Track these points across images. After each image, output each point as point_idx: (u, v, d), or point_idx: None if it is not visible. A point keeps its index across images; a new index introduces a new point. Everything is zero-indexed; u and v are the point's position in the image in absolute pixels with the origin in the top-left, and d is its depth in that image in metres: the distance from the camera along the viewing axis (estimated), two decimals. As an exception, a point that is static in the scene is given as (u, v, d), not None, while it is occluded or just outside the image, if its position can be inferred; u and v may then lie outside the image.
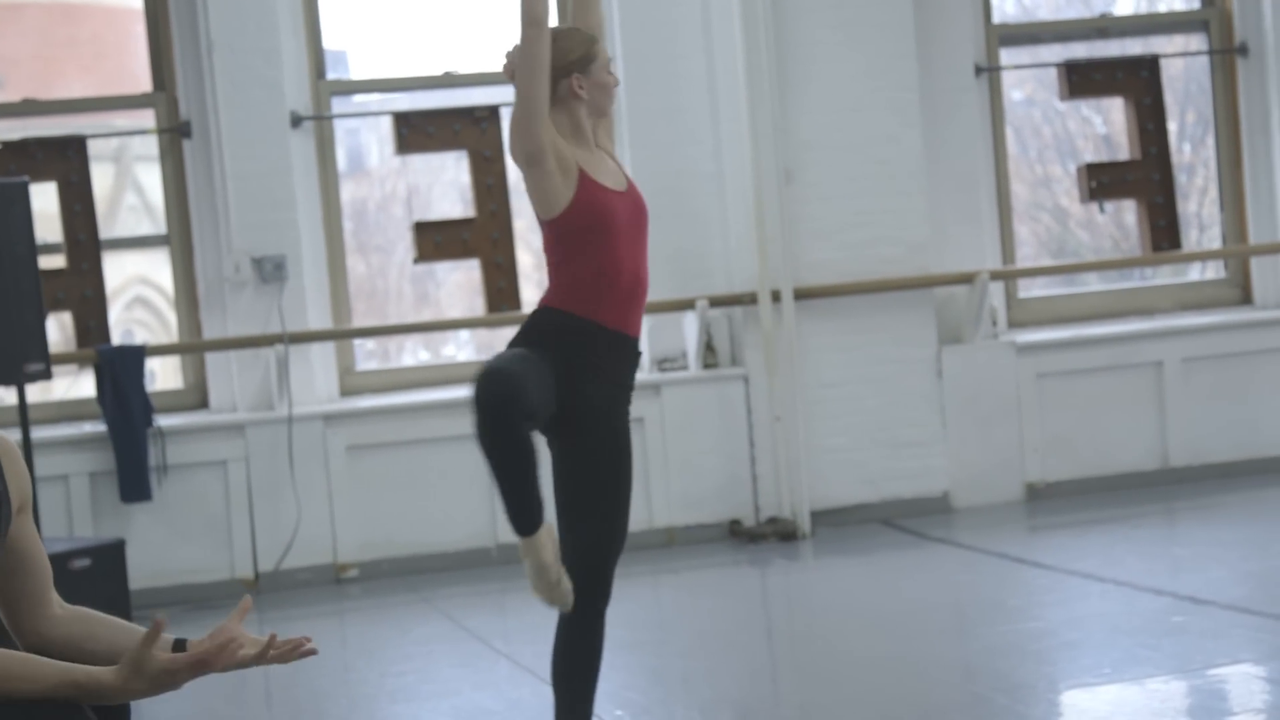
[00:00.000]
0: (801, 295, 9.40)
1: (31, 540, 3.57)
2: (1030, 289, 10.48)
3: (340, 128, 9.69)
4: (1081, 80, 10.12)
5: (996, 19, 10.18)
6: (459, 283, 13.99)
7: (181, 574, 8.79)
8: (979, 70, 9.96)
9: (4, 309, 7.65)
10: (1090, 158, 13.15)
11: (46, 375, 7.78)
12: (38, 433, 8.57)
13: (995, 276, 9.78)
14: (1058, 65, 10.19)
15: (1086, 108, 13.20)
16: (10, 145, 8.94)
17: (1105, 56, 10.27)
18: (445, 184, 13.47)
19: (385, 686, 6.63)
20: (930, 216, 9.62)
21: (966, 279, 9.62)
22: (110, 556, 8.04)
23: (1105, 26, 10.55)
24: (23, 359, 7.73)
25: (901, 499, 9.53)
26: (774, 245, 9.32)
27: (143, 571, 8.54)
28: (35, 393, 8.70)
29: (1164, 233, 10.06)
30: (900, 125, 9.52)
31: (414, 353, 12.57)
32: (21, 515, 3.56)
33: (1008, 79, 10.48)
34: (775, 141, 9.31)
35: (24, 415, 7.88)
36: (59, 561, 7.76)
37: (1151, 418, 9.86)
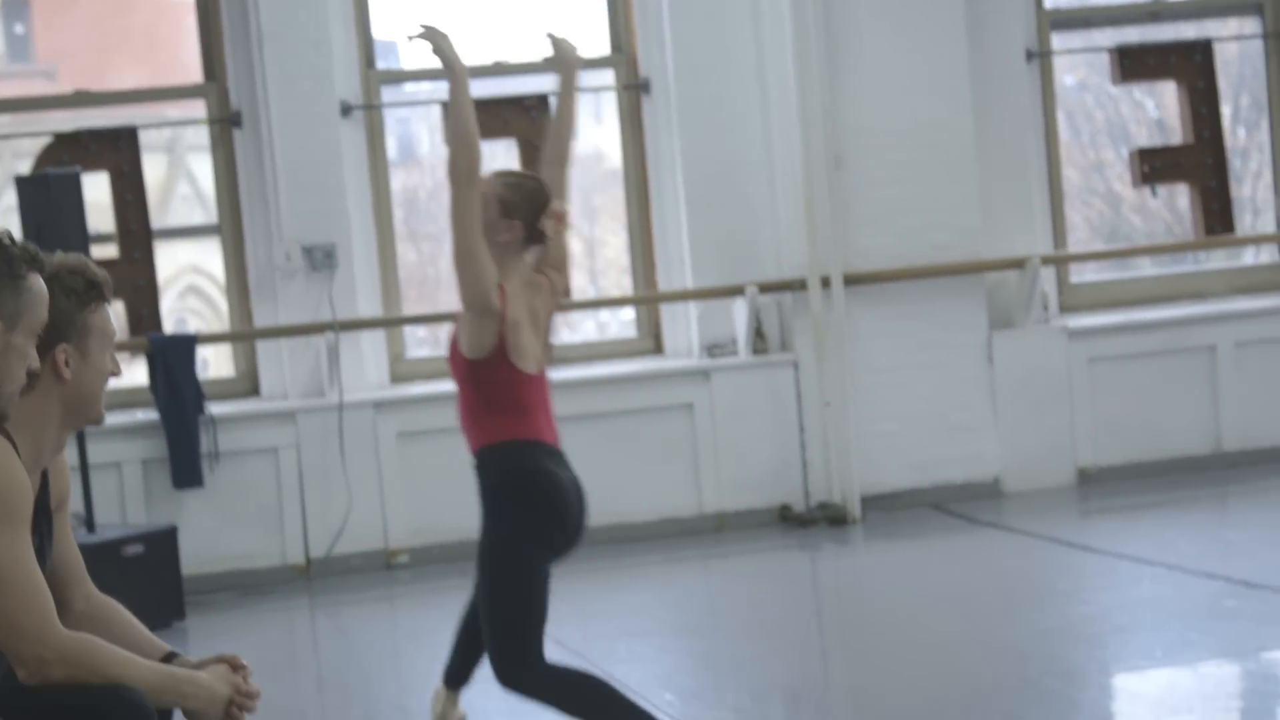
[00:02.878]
0: (851, 281, 9.38)
1: (61, 536, 3.60)
2: (1082, 274, 10.43)
3: (391, 117, 9.71)
4: (1134, 64, 10.06)
5: (1048, 4, 10.13)
6: (510, 271, 14.00)
7: (233, 560, 8.83)
8: (1030, 55, 9.91)
9: (57, 297, 7.71)
10: (1143, 142, 13.08)
11: (99, 363, 7.82)
12: (91, 421, 8.61)
13: (1047, 261, 9.74)
14: (1110, 49, 10.13)
15: (1139, 92, 13.13)
16: (63, 136, 9.00)
17: (1158, 40, 10.20)
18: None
19: (435, 671, 6.63)
20: (981, 202, 9.58)
21: (1018, 264, 9.58)
22: (163, 543, 8.10)
23: (1158, 10, 10.49)
24: (76, 347, 7.77)
25: (952, 484, 9.51)
26: (824, 231, 9.31)
27: (195, 558, 8.59)
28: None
29: (1217, 216, 10.00)
30: (951, 111, 9.49)
31: (466, 341, 12.60)
32: (59, 512, 3.59)
33: (1059, 64, 10.42)
34: (825, 128, 9.29)
35: (78, 403, 7.93)
36: (112, 548, 7.83)
37: (1204, 402, 9.80)
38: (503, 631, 4.96)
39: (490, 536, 5.12)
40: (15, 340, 3.03)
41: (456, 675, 5.69)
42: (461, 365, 5.06)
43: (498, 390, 5.05)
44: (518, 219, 5.04)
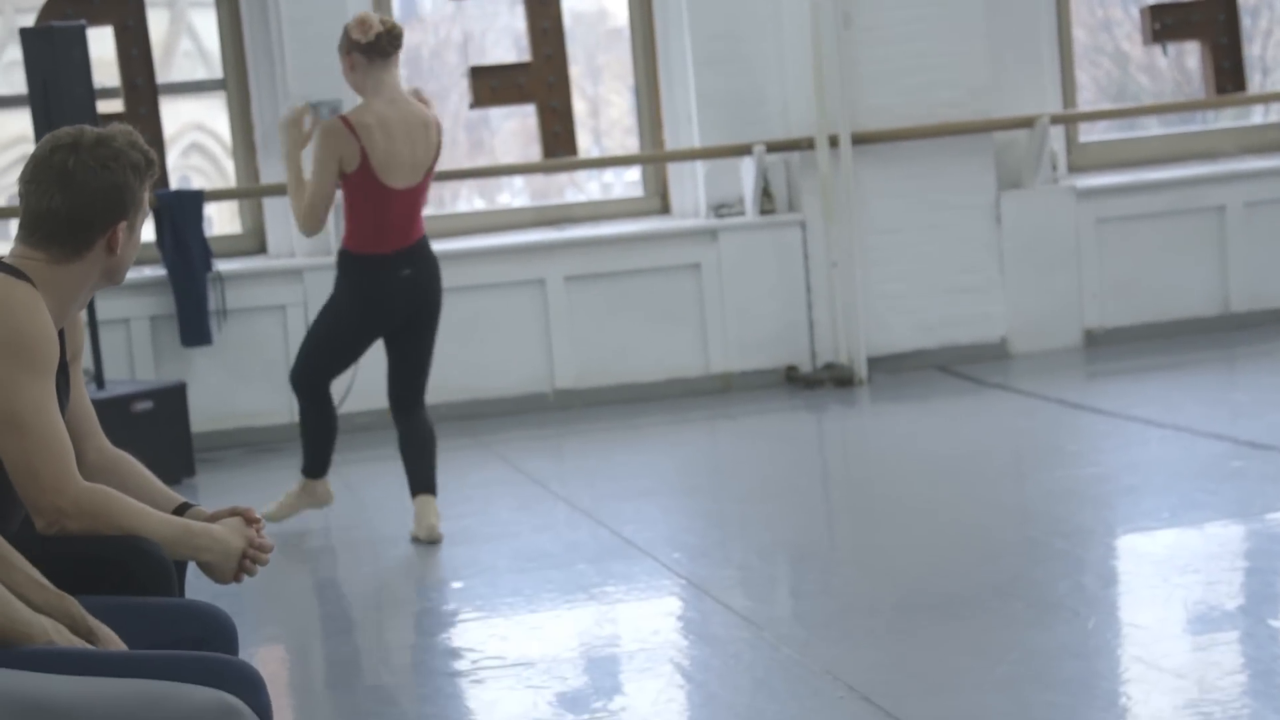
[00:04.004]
0: (859, 140, 9.33)
1: (75, 389, 3.61)
2: (1089, 134, 10.37)
3: (395, -29, 9.60)
4: (1146, -80, 9.94)
5: None
6: (513, 130, 13.93)
7: (242, 417, 8.86)
8: (1042, -90, 9.78)
9: (63, 154, 7.65)
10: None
11: (105, 220, 7.78)
12: (98, 278, 8.59)
13: (1056, 120, 9.67)
14: (1122, -95, 10.00)
15: (1150, -51, 12.97)
16: (66, -11, 8.89)
17: (1171, -105, 10.06)
18: (499, 30, 13.38)
19: (445, 529, 6.69)
20: (990, 60, 9.50)
21: (1026, 123, 9.52)
22: (172, 399, 8.12)
23: None
24: (82, 204, 7.74)
25: (959, 345, 9.51)
26: (832, 90, 9.24)
27: (204, 415, 8.61)
28: (94, 238, 8.71)
29: (1228, 75, 9.91)
30: (961, -33, 9.39)
31: (469, 200, 12.55)
32: (74, 364, 3.61)
33: (1071, -81, 10.28)
34: (834, -16, 9.20)
35: (84, 260, 7.90)
36: (121, 404, 7.84)
37: (1213, 263, 9.77)
38: (307, 353, 6.79)
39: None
40: None
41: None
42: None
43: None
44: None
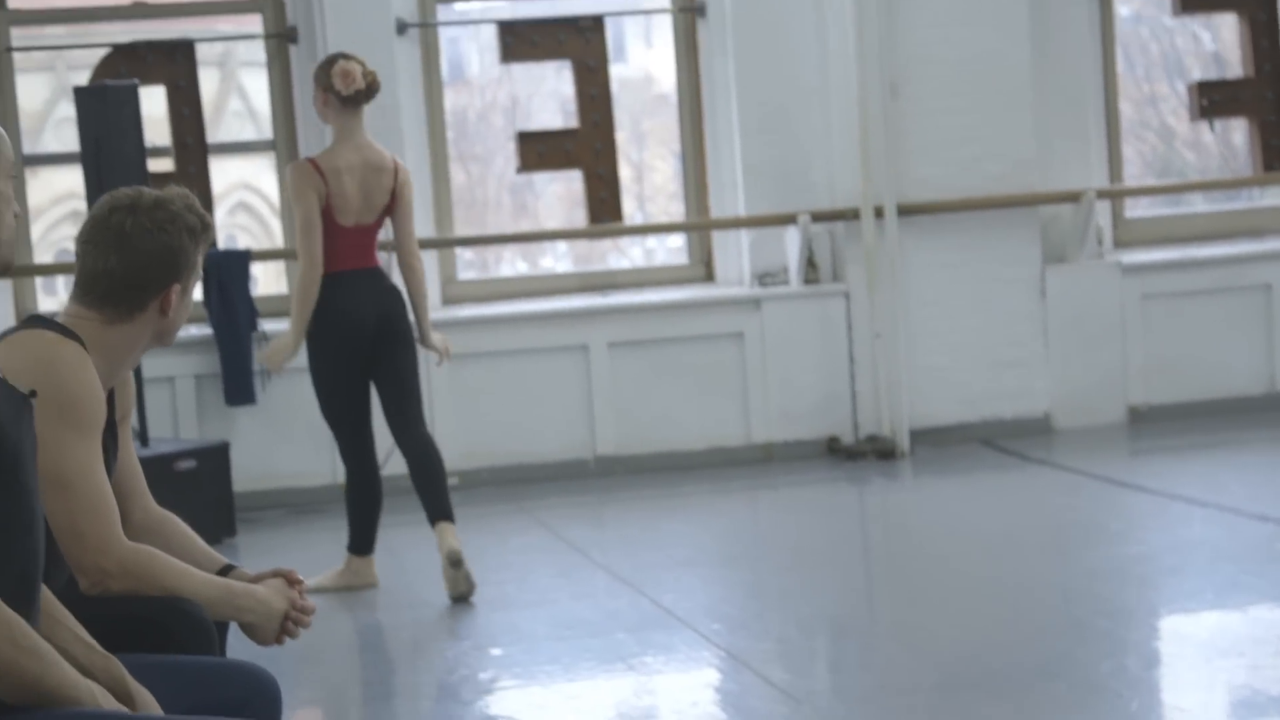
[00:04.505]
0: (905, 211, 9.33)
1: (123, 449, 3.62)
2: (1135, 209, 10.35)
3: (442, 36, 9.66)
4: (1196, -4, 9.94)
5: (1110, -69, 10.00)
6: (557, 194, 13.97)
7: (284, 477, 8.86)
8: (1090, -15, 9.80)
9: (112, 212, 7.70)
10: (1198, 76, 12.94)
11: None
12: (144, 335, 8.62)
13: (1102, 195, 9.66)
14: (1170, -20, 10.01)
15: (1196, 24, 12.98)
16: (121, 48, 8.97)
17: (1221, -29, 10.07)
18: (545, 94, 13.43)
19: (485, 594, 6.68)
20: (1037, 133, 9.50)
21: (1073, 197, 9.51)
22: (215, 458, 8.14)
23: (1221, -58, 10.34)
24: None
25: (1002, 419, 9.47)
26: (878, 160, 9.25)
27: (246, 474, 8.62)
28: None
29: (1276, 152, 9.89)
30: (1008, 41, 9.39)
31: (512, 263, 12.58)
32: (122, 425, 3.62)
33: (1118, -6, 10.29)
34: (881, 55, 9.21)
35: (131, 318, 7.94)
36: (165, 462, 7.86)
37: (1259, 341, 9.72)
38: (320, 407, 6.99)
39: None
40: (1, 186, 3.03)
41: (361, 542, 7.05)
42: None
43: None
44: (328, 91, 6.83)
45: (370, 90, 6.87)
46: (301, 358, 6.98)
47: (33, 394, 3.04)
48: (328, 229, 6.81)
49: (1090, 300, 9.57)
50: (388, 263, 7.33)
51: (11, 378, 3.01)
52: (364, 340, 6.81)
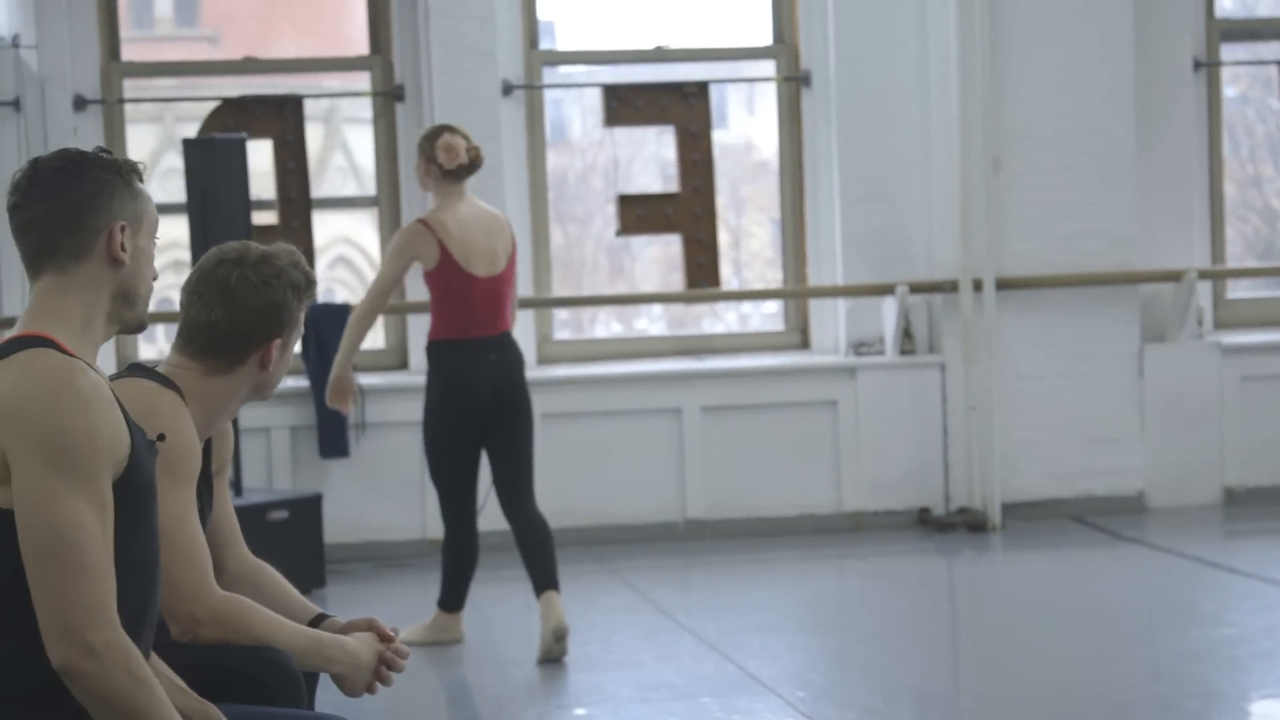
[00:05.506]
0: (1004, 285, 9.30)
1: (219, 499, 3.66)
2: (1236, 290, 10.28)
3: (546, 98, 9.74)
4: (1304, 79, 9.90)
5: (1218, 14, 9.97)
6: (654, 256, 14.02)
7: (374, 531, 8.92)
8: (1198, 65, 9.76)
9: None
10: (1306, 159, 12.84)
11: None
12: (242, 385, 8.71)
13: (1204, 276, 9.60)
14: (1278, 63, 9.96)
15: (1304, 107, 12.89)
16: (231, 102, 9.11)
17: (1331, 55, 10.02)
18: (645, 158, 13.49)
19: (570, 655, 6.69)
20: (1138, 212, 9.46)
21: (1173, 277, 9.45)
22: (307, 510, 8.20)
23: (1332, 24, 10.30)
24: (232, 312, 7.86)
25: (1095, 496, 9.40)
26: (978, 233, 9.23)
27: (337, 526, 8.68)
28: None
29: (1381, 238, 9.81)
30: (1113, 118, 9.37)
31: (606, 324, 12.62)
32: (219, 476, 3.66)
33: (1224, 75, 10.26)
34: (985, 129, 9.21)
35: (230, 367, 8.03)
36: (258, 512, 7.93)
37: (1361, 426, 9.62)
38: (428, 466, 7.07)
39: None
40: (141, 243, 3.06)
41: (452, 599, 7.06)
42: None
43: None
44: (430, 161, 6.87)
45: (473, 165, 6.87)
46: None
47: (160, 438, 3.09)
48: (456, 283, 6.77)
49: (1188, 380, 9.50)
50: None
51: None
52: (483, 411, 6.84)
